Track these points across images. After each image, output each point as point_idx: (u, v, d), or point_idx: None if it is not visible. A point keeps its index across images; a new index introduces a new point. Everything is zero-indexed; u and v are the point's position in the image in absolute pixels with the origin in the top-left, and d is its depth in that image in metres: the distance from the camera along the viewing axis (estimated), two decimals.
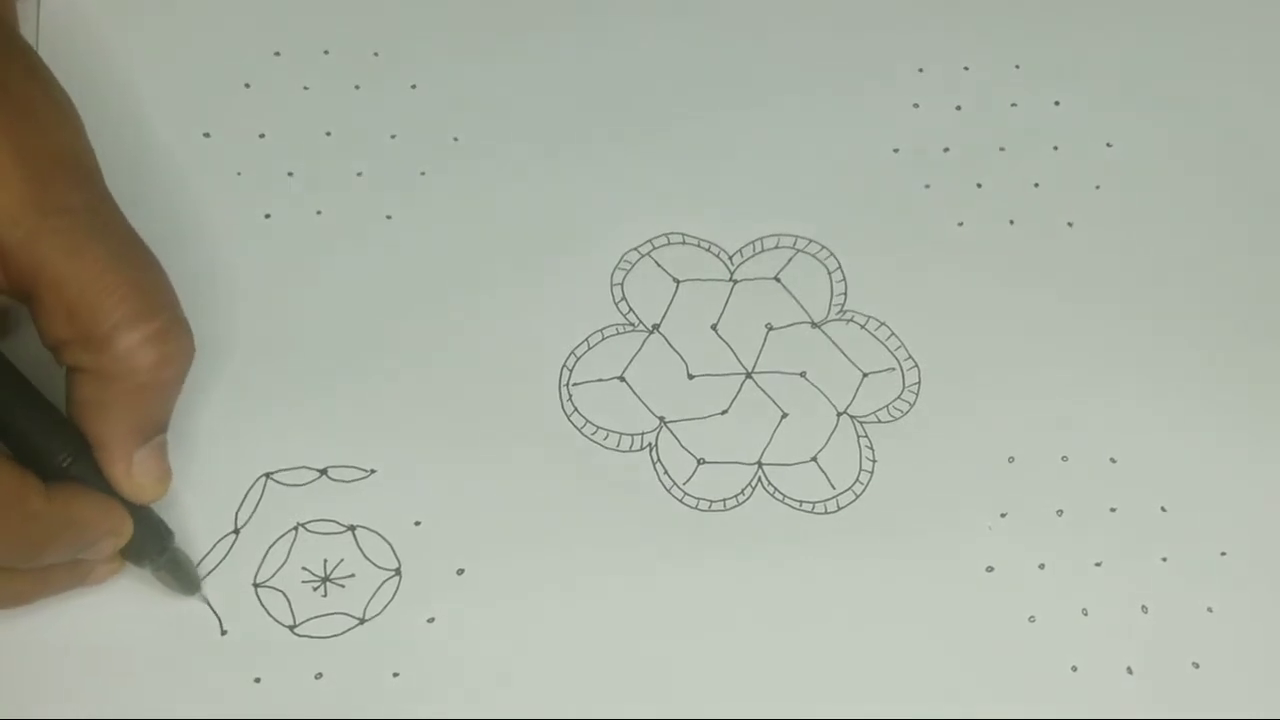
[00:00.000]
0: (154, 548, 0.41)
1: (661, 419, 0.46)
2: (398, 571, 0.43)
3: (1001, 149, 0.51)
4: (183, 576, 0.42)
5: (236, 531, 0.43)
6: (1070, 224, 0.50)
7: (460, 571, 0.43)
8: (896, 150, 0.51)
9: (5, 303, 0.39)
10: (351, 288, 0.47)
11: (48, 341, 0.39)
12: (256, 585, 0.42)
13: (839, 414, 0.46)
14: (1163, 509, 0.45)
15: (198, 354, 0.40)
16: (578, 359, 0.46)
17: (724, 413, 0.46)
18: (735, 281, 0.48)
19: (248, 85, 0.49)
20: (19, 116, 0.38)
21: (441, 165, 0.49)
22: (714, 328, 0.47)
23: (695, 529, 0.44)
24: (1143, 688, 0.43)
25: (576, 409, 0.46)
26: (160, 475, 0.40)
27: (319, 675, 0.41)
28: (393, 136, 0.49)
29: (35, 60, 0.41)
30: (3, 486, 0.36)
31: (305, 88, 0.50)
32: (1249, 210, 0.50)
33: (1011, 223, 0.50)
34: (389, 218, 0.48)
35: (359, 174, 0.48)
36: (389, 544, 0.43)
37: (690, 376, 0.46)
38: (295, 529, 0.43)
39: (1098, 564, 0.44)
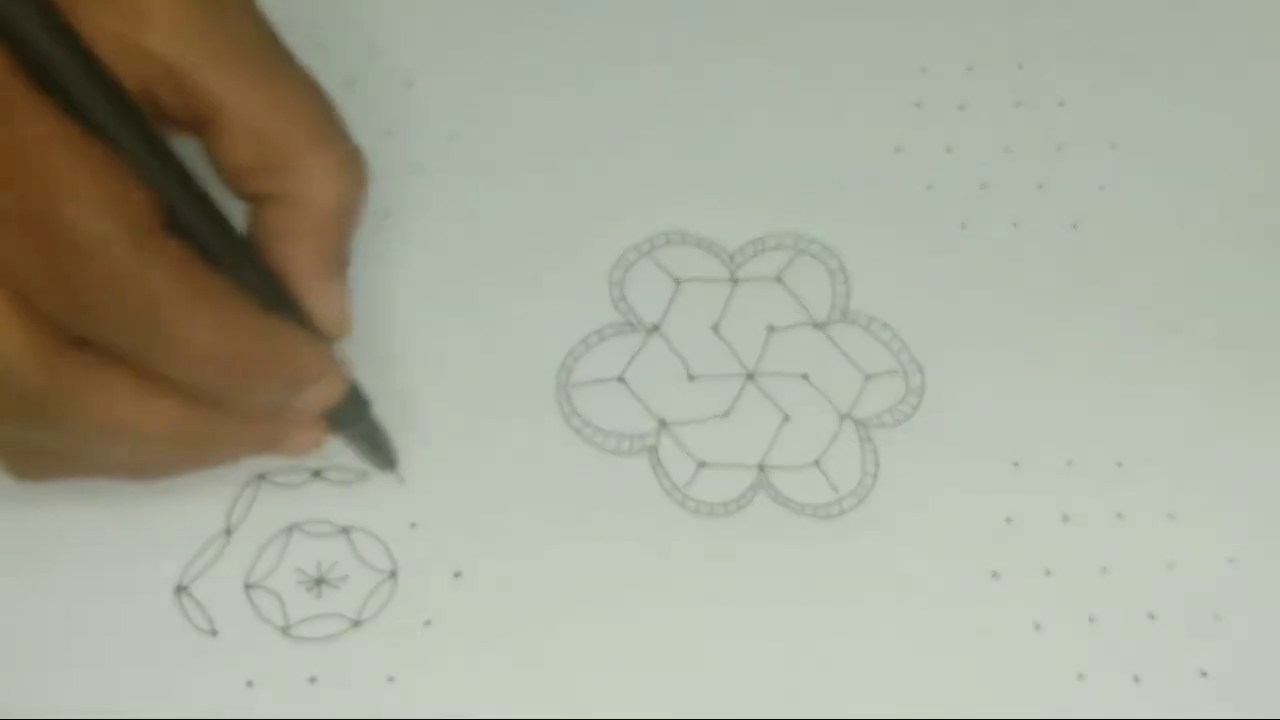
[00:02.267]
0: (355, 413, 0.41)
1: (662, 421, 0.45)
2: (393, 574, 0.42)
3: (1005, 149, 0.51)
4: (383, 447, 0.42)
5: (228, 532, 0.42)
6: (1075, 225, 0.49)
7: (457, 574, 0.42)
8: (899, 150, 0.50)
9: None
10: None
11: (229, 169, 0.38)
12: (248, 586, 0.42)
13: (842, 417, 0.46)
14: (1170, 515, 0.45)
15: None
16: (576, 359, 0.46)
17: (725, 415, 0.46)
18: (736, 282, 0.47)
19: None
20: None
21: (439, 163, 0.49)
22: (715, 328, 0.47)
23: (696, 533, 0.44)
24: (1150, 696, 0.42)
25: (575, 411, 0.45)
26: (350, 311, 0.40)
27: (312, 679, 0.41)
28: (389, 133, 0.49)
29: None
30: (220, 293, 0.35)
31: None
32: (1256, 210, 0.50)
33: (1015, 224, 0.49)
34: (386, 215, 0.47)
35: None
36: (384, 546, 0.43)
37: (691, 378, 0.46)
38: (288, 530, 0.43)
39: (1104, 570, 0.44)
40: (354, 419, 0.41)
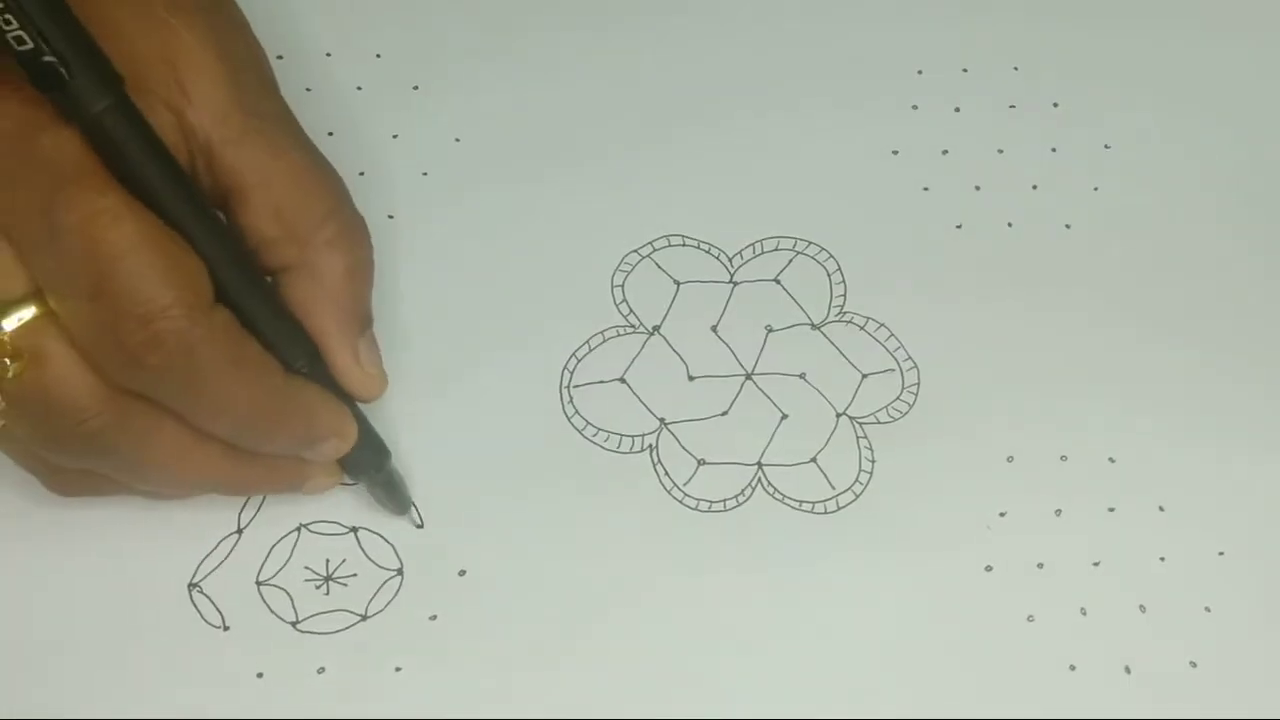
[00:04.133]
0: (373, 463, 0.42)
1: (662, 420, 0.46)
2: (400, 572, 0.43)
3: (1000, 151, 0.51)
4: (396, 495, 0.43)
5: (239, 531, 0.43)
6: (1068, 226, 0.50)
7: (462, 573, 0.43)
8: (895, 152, 0.51)
9: None
10: None
11: (253, 241, 0.40)
12: (259, 583, 0.42)
13: (838, 415, 0.46)
14: (1161, 509, 0.45)
15: None
16: (579, 361, 0.47)
17: (724, 414, 0.46)
18: (735, 283, 0.48)
19: None
20: (221, 26, 0.40)
21: (443, 165, 0.49)
22: (714, 329, 0.47)
23: (695, 529, 0.44)
24: (1141, 687, 0.43)
25: (577, 411, 0.46)
26: (382, 368, 0.42)
27: (321, 670, 0.41)
28: (395, 136, 0.50)
29: None
30: (253, 359, 0.38)
31: (308, 89, 0.50)
32: (1248, 211, 0.51)
33: (1010, 225, 0.50)
34: (391, 217, 0.48)
35: (361, 174, 0.48)
36: (391, 545, 0.43)
37: (690, 378, 0.47)
38: (298, 529, 0.43)
39: (1096, 563, 0.44)
40: (369, 469, 0.43)
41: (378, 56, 0.51)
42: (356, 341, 0.41)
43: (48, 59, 0.34)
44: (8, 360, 0.36)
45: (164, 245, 0.35)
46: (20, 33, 0.33)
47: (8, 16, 0.33)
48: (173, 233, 0.36)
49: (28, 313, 0.36)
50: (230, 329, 0.37)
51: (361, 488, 0.44)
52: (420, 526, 0.44)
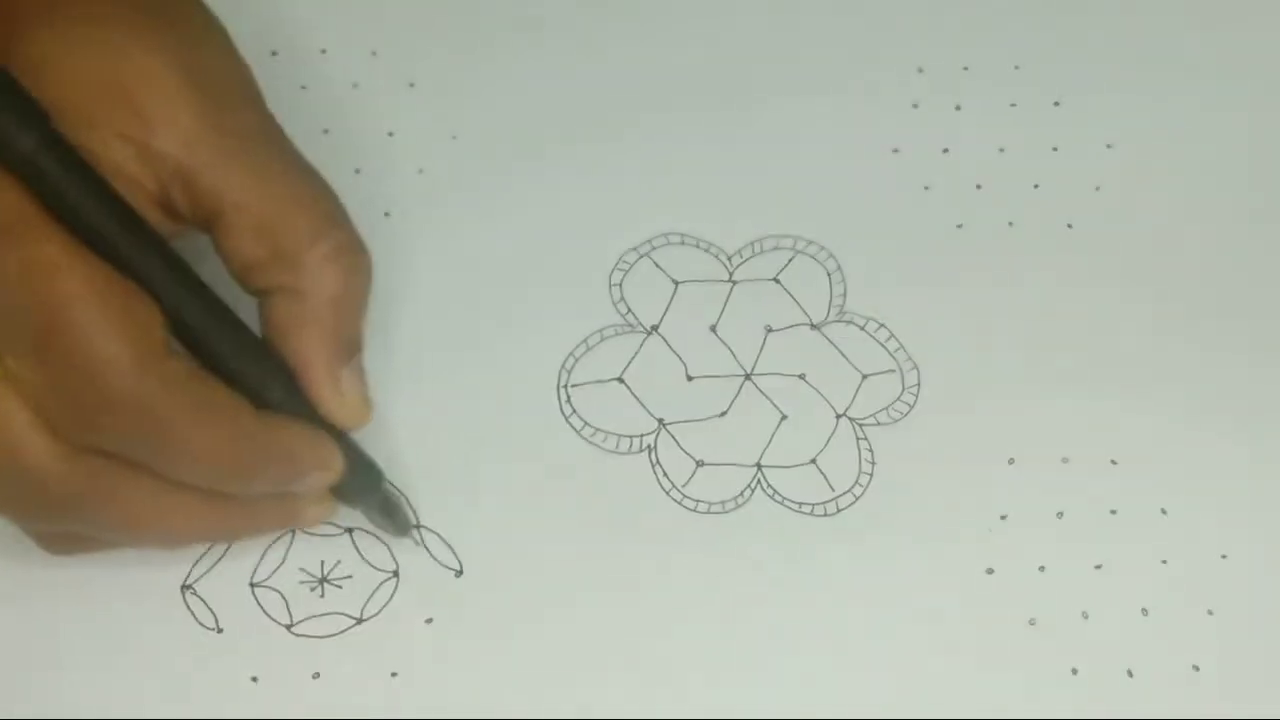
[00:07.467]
0: (366, 486, 0.41)
1: (660, 420, 0.46)
2: (395, 573, 0.43)
3: (1001, 150, 0.51)
4: (396, 518, 0.42)
5: None
6: (1070, 225, 0.50)
7: (459, 574, 0.43)
8: (896, 151, 0.50)
9: (180, 231, 0.38)
10: None
11: (236, 265, 0.38)
12: (253, 585, 0.42)
13: (838, 416, 0.46)
14: (1163, 511, 0.45)
15: None
16: (576, 360, 0.46)
17: (723, 414, 0.46)
18: (734, 282, 0.48)
19: None
20: (187, 41, 0.38)
21: (440, 163, 0.49)
22: (713, 329, 0.47)
23: (694, 531, 0.44)
24: (1143, 690, 0.43)
25: (575, 411, 0.45)
26: (366, 397, 0.40)
27: (316, 675, 0.41)
28: (390, 134, 0.49)
29: None
30: (217, 404, 0.36)
31: (303, 87, 0.49)
32: (1249, 211, 0.50)
33: (1011, 224, 0.50)
34: (387, 215, 0.48)
35: (357, 171, 0.48)
36: (386, 546, 0.43)
37: (689, 378, 0.46)
38: (292, 531, 0.43)
39: (1098, 566, 0.44)
40: (363, 493, 0.41)
41: (373, 54, 0.51)
42: (339, 369, 0.39)
43: None
44: None
45: (109, 293, 0.34)
46: None
47: None
48: (119, 277, 0.34)
49: None
50: (188, 375, 0.36)
51: None
52: (420, 545, 0.43)
